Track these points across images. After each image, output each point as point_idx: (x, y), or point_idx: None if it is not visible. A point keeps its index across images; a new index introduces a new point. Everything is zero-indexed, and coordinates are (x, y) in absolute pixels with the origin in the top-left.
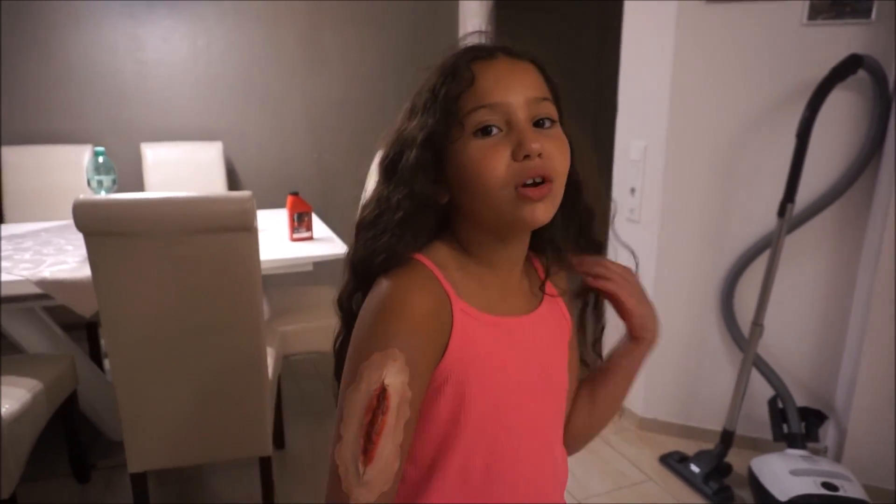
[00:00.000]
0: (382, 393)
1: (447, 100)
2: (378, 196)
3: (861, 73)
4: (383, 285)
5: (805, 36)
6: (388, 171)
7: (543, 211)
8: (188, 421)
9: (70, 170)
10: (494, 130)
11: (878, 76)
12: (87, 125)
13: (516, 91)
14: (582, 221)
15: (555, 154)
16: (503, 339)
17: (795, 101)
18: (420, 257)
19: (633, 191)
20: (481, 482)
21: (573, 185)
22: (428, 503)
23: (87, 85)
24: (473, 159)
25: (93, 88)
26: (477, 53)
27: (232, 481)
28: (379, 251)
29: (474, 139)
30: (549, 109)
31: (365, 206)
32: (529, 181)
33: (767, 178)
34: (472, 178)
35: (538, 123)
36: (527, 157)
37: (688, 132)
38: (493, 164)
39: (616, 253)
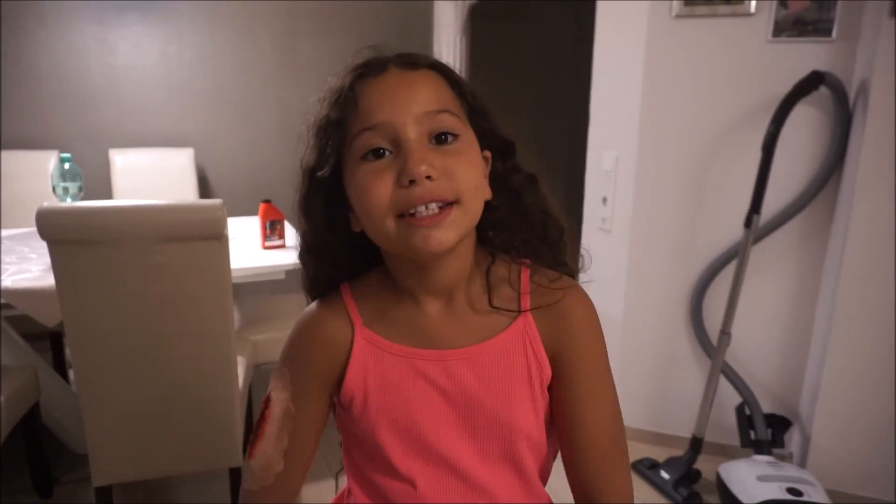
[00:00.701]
0: (267, 403)
1: (330, 126)
2: (299, 224)
3: (823, 90)
4: (304, 312)
5: (770, 52)
6: (296, 201)
7: (441, 236)
8: (156, 432)
9: (35, 176)
10: (384, 153)
11: (839, 92)
12: (54, 130)
13: (404, 107)
14: (542, 225)
15: (456, 171)
16: (409, 371)
17: (761, 115)
18: (343, 287)
19: (604, 200)
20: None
21: (522, 187)
22: None
23: (55, 89)
24: (359, 185)
25: (60, 92)
26: (364, 70)
27: (201, 492)
28: (306, 277)
29: (362, 164)
30: (448, 122)
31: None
32: (414, 210)
33: (735, 189)
34: (360, 208)
35: (439, 138)
36: (412, 182)
37: (658, 143)
38: (376, 191)
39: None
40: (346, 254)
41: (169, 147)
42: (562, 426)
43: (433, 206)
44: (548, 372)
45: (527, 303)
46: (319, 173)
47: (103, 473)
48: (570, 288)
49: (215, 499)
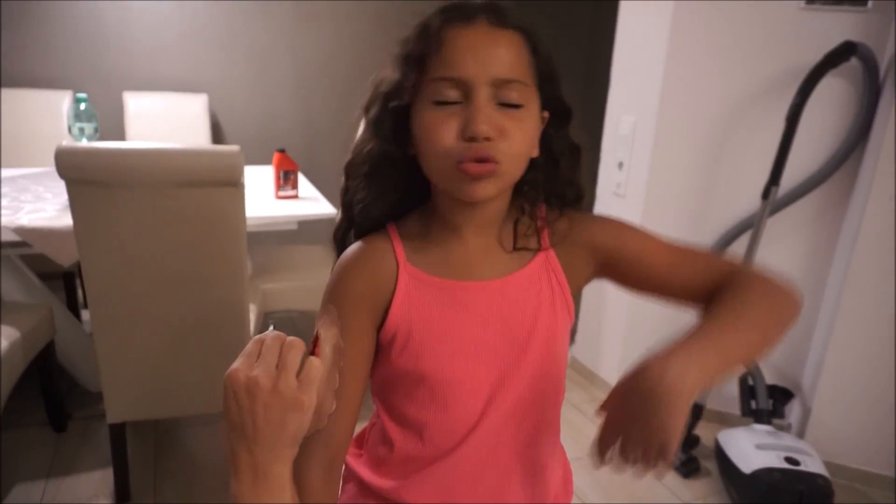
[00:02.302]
0: (315, 341)
1: (412, 60)
2: (358, 140)
3: (853, 61)
4: (347, 251)
5: (802, 20)
6: (365, 115)
7: (482, 190)
8: (169, 373)
9: (47, 116)
10: (453, 101)
11: (870, 65)
12: (67, 70)
13: (483, 68)
14: (563, 191)
15: (510, 135)
16: (451, 301)
17: (788, 85)
18: (389, 226)
19: (620, 165)
20: (436, 438)
21: (563, 154)
22: (396, 457)
23: (68, 28)
24: (426, 126)
25: (74, 32)
26: (455, 14)
27: (209, 435)
28: (359, 202)
29: (431, 105)
30: (516, 93)
31: (353, 148)
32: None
33: (753, 160)
34: (422, 144)
35: (505, 104)
36: (472, 138)
37: (679, 110)
38: (441, 135)
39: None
40: (404, 178)
41: (183, 92)
42: (650, 283)
43: (482, 159)
44: (570, 302)
45: (545, 238)
46: (394, 102)
47: (117, 411)
48: (572, 215)
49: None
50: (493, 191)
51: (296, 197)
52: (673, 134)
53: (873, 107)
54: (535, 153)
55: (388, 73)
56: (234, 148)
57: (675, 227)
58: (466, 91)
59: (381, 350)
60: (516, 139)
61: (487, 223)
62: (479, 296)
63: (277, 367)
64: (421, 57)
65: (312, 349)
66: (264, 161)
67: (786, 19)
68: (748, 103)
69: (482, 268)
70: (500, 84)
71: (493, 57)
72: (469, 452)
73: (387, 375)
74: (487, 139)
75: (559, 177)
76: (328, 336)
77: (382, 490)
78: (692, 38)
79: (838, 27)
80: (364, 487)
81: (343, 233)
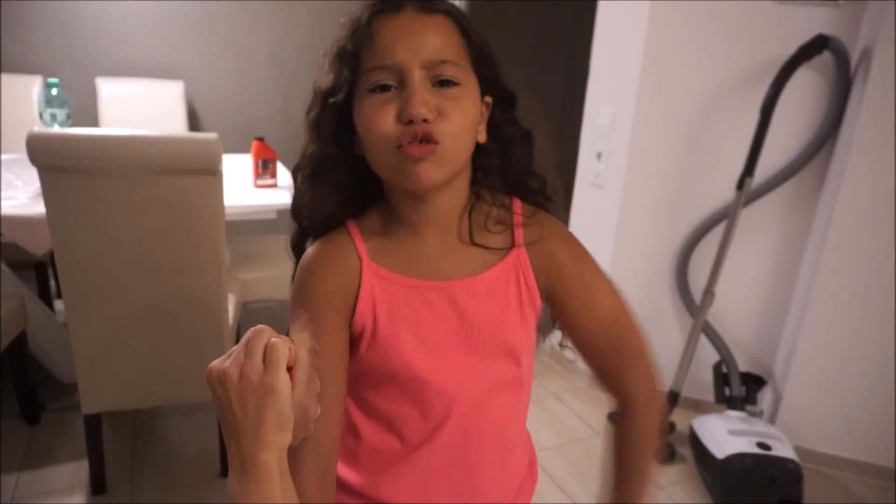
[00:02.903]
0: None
1: (346, 56)
2: (303, 146)
3: (825, 54)
4: (307, 251)
5: (777, 13)
6: (306, 120)
7: (426, 173)
8: (145, 363)
9: (16, 101)
10: (390, 88)
11: (842, 58)
12: (38, 54)
13: (414, 52)
14: (521, 177)
15: (448, 114)
16: (414, 300)
17: (762, 77)
18: (349, 223)
19: (599, 156)
20: (405, 430)
21: (513, 140)
22: (364, 448)
23: (38, 10)
24: (364, 116)
25: (44, 14)
26: (384, 6)
27: (187, 425)
28: (305, 207)
29: (369, 95)
30: (451, 72)
31: (299, 154)
32: (411, 142)
33: (729, 150)
34: (363, 135)
35: (441, 82)
36: (410, 121)
37: (657, 101)
38: (380, 121)
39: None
40: (349, 178)
41: (158, 78)
42: (570, 321)
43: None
44: (538, 301)
45: (519, 236)
46: (332, 99)
47: (92, 401)
48: (546, 219)
49: (202, 430)
50: (439, 174)
51: (275, 186)
52: (651, 125)
53: (844, 99)
54: (482, 138)
55: (324, 75)
56: (212, 135)
57: (651, 218)
58: (400, 77)
59: (351, 344)
60: (454, 118)
61: (445, 218)
62: (441, 295)
63: (245, 356)
64: (354, 52)
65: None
66: (242, 149)
67: (761, 13)
68: (724, 95)
69: (446, 266)
70: (432, 66)
71: (423, 40)
72: (439, 446)
73: (357, 368)
74: (425, 121)
75: (513, 164)
76: (301, 340)
77: (353, 485)
78: (670, 30)
79: (811, 21)
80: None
81: (298, 240)
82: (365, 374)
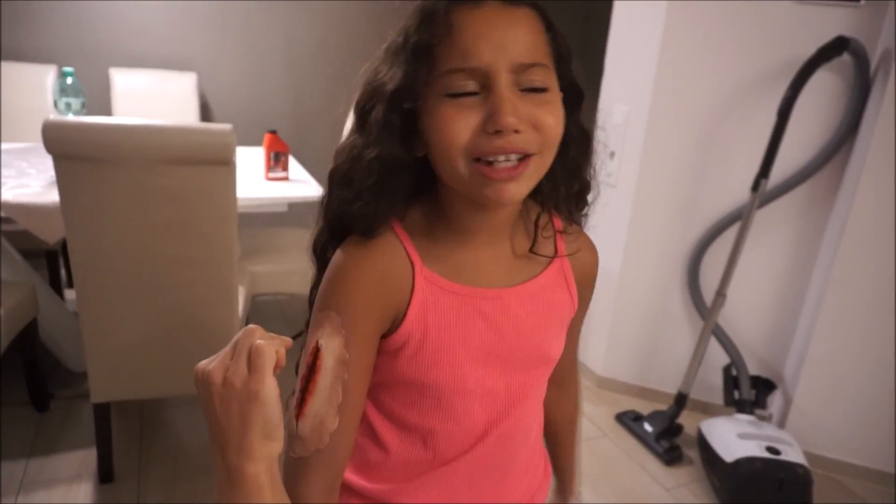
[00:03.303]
0: (316, 352)
1: (419, 50)
2: (352, 145)
3: (844, 56)
4: (345, 249)
5: (796, 13)
6: (361, 117)
7: (515, 190)
8: (155, 353)
9: (30, 90)
10: (470, 92)
11: (861, 60)
12: (51, 43)
13: (501, 53)
14: (577, 187)
15: (543, 124)
16: (468, 309)
17: (780, 78)
18: (395, 224)
19: (612, 154)
20: (441, 446)
21: (574, 140)
22: (392, 462)
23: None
24: (440, 122)
25: (59, 4)
26: None
27: (194, 416)
28: (354, 216)
29: (444, 99)
30: (541, 77)
31: (339, 153)
32: (494, 158)
33: (743, 152)
34: (436, 142)
35: (531, 88)
36: (497, 132)
37: (671, 100)
38: (457, 131)
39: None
40: (404, 184)
41: (171, 70)
42: None
43: (513, 157)
44: (575, 306)
45: (562, 245)
46: (405, 103)
47: (101, 391)
48: (579, 231)
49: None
50: (524, 190)
51: (286, 179)
52: (665, 124)
53: (863, 102)
54: None
55: (389, 69)
56: (226, 126)
57: (663, 218)
58: (485, 81)
59: (381, 355)
60: (549, 127)
61: (501, 227)
62: (495, 304)
63: (232, 358)
64: (428, 48)
65: (312, 361)
66: (252, 142)
67: (779, 13)
68: (740, 96)
69: (494, 274)
70: (521, 69)
71: (510, 40)
72: (474, 459)
73: (386, 380)
74: (516, 132)
75: (569, 166)
76: (332, 347)
77: (372, 493)
78: (686, 29)
79: (831, 22)
80: (347, 489)
81: (323, 245)
82: (397, 387)
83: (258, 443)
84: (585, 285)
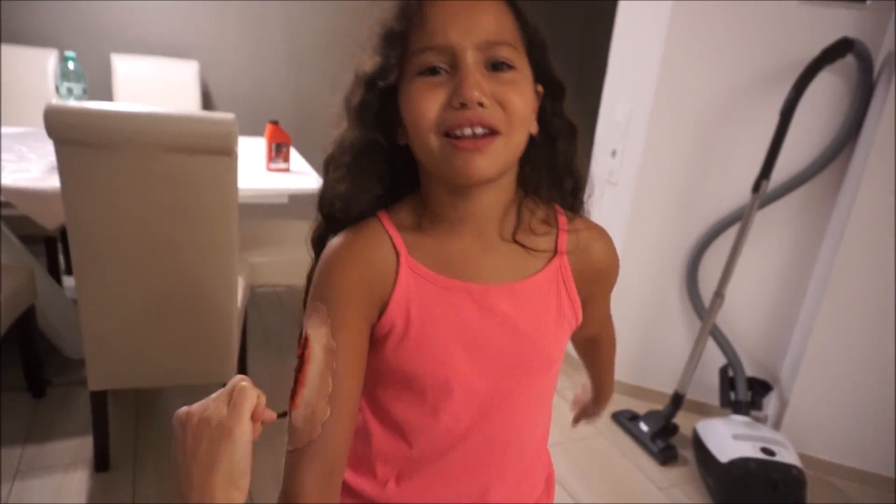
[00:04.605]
0: (304, 343)
1: (393, 36)
2: (342, 133)
3: (848, 58)
4: (333, 241)
5: (800, 14)
6: (346, 107)
7: (481, 163)
8: (153, 342)
9: (30, 74)
10: (441, 71)
11: (865, 62)
12: (53, 27)
13: (467, 32)
14: (560, 175)
15: (507, 100)
16: (453, 302)
17: (783, 79)
18: (381, 213)
19: (614, 153)
20: (420, 441)
21: (560, 133)
22: (373, 454)
23: None
24: (411, 100)
25: None
26: None
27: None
28: (339, 199)
29: (418, 78)
30: (506, 53)
31: (333, 143)
32: (461, 132)
33: (744, 152)
34: (408, 121)
35: (495, 66)
36: (463, 105)
37: (674, 99)
38: (426, 106)
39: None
40: (391, 170)
41: (173, 57)
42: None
43: (479, 129)
44: (579, 311)
45: (563, 243)
46: (382, 83)
47: (99, 378)
48: (585, 222)
49: None
50: (492, 167)
51: (287, 170)
52: (667, 123)
53: (866, 104)
54: (534, 128)
55: (368, 58)
56: (228, 115)
57: (663, 217)
58: (452, 59)
59: (373, 342)
60: (513, 103)
61: (485, 216)
62: (481, 300)
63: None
64: (402, 33)
65: (302, 352)
66: (253, 132)
67: (783, 13)
68: (742, 96)
69: (483, 268)
70: (487, 47)
71: (477, 21)
72: (457, 459)
73: (376, 368)
74: (480, 105)
75: (556, 160)
76: (318, 336)
77: (363, 492)
78: (690, 29)
79: (835, 23)
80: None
81: (322, 234)
82: (385, 376)
83: (221, 487)
84: (595, 280)
